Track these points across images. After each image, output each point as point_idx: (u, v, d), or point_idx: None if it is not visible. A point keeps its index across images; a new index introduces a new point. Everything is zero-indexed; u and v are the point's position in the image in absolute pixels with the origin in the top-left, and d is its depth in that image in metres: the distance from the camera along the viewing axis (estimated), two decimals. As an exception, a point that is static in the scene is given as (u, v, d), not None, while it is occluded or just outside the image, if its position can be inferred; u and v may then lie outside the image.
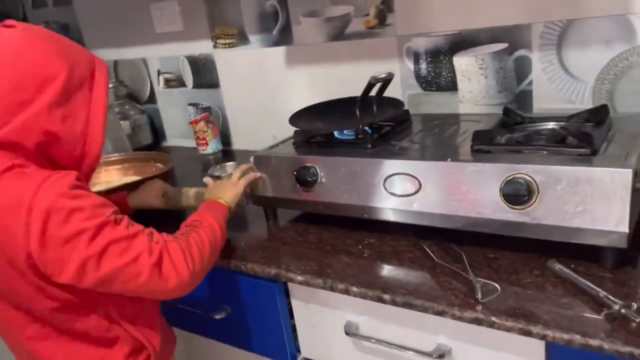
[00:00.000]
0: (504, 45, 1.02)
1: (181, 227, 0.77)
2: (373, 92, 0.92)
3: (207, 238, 0.74)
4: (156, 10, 1.48)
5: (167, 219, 0.90)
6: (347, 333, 0.80)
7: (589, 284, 0.64)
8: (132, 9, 1.52)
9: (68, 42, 0.69)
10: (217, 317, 0.92)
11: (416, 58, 1.13)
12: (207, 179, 0.97)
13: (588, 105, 0.97)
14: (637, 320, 0.58)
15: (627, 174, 0.64)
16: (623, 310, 0.59)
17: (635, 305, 0.59)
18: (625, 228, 0.64)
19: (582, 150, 0.72)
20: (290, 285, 0.86)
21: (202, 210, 0.81)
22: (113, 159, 1.28)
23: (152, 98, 1.64)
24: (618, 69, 0.93)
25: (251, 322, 0.92)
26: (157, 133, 1.67)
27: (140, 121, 1.63)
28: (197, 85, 1.52)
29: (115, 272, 0.63)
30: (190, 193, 0.99)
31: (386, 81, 0.92)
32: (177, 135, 1.64)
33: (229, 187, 0.88)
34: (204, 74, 1.49)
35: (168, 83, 1.59)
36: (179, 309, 0.94)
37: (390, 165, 0.81)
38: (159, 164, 1.25)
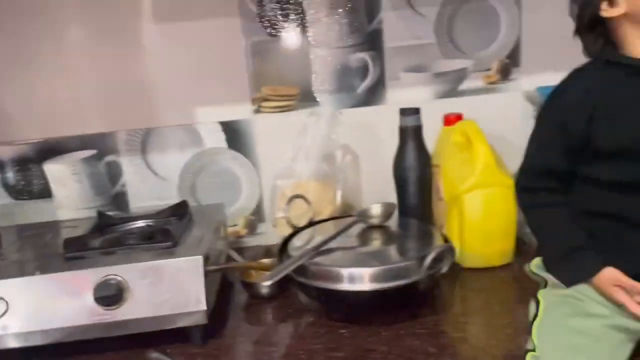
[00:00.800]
0: (94, 151, 1.08)
1: None
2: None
3: None
4: None
5: None
6: None
7: (182, 363, 0.72)
8: None
9: None
10: None
11: (1, 167, 1.06)
12: None
13: (176, 200, 1.10)
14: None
15: (198, 260, 0.76)
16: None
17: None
18: (203, 307, 0.75)
19: (164, 244, 0.81)
20: None
21: None
22: None
23: None
24: (195, 168, 1.11)
25: None
26: None
27: None
28: None
29: None
30: None
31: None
32: None
33: None
34: None
35: None
36: None
37: (-31, 291, 0.73)
38: None
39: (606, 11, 0.64)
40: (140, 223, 0.93)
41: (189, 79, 1.06)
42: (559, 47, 0.88)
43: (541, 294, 0.70)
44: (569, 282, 0.68)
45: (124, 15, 1.03)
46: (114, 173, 1.09)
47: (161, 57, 1.05)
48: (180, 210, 0.96)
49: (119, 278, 0.74)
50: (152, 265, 0.75)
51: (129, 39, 1.04)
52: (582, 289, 0.67)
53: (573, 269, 0.68)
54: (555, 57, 0.82)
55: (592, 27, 0.67)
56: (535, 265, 0.76)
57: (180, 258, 0.76)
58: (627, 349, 0.64)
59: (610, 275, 0.64)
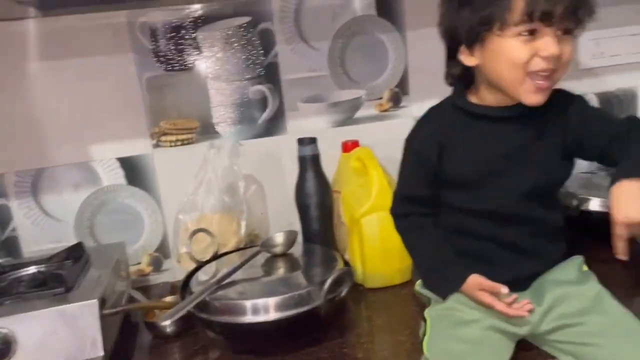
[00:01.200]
0: (-21, 195, 1.01)
1: None
2: None
3: None
4: None
5: None
6: None
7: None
8: None
9: None
10: None
11: None
12: None
13: (74, 241, 1.05)
14: None
15: (93, 304, 0.73)
16: None
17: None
18: (100, 352, 0.72)
19: (57, 290, 0.77)
20: None
21: None
22: None
23: None
24: (92, 207, 1.07)
25: None
26: None
27: None
28: None
29: None
30: None
31: None
32: None
33: None
34: None
35: None
36: None
37: None
38: None
39: (463, 56, 0.71)
40: (32, 269, 0.88)
41: (82, 116, 1.03)
42: (441, 76, 0.96)
43: (426, 312, 0.75)
44: (442, 294, 0.74)
45: (9, 54, 0.98)
46: (3, 217, 1.02)
47: (51, 95, 1.01)
48: (75, 253, 0.92)
49: (5, 330, 0.70)
50: (42, 313, 0.72)
51: (14, 78, 0.99)
52: (458, 299, 0.72)
53: (444, 282, 0.74)
54: (439, 85, 0.88)
55: (452, 55, 0.74)
56: (419, 284, 0.81)
57: (74, 304, 0.73)
58: (508, 348, 0.69)
59: (474, 281, 0.70)
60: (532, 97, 0.66)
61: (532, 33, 0.63)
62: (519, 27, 0.63)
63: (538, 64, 0.64)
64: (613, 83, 1.22)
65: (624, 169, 0.66)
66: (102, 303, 0.75)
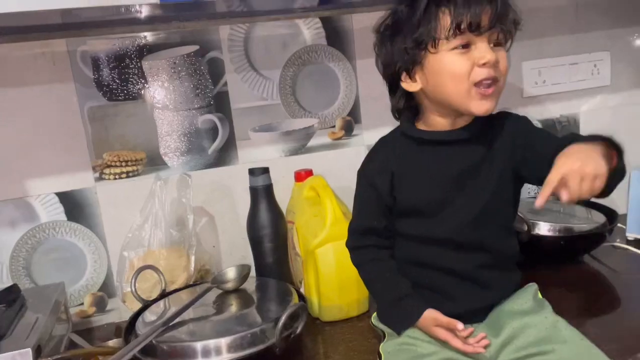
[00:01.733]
0: None
1: None
2: None
3: None
4: None
5: None
6: None
7: None
8: None
9: None
10: None
11: None
12: None
13: (9, 283, 0.98)
14: None
15: (27, 354, 0.68)
16: None
17: None
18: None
19: (-10, 339, 0.71)
20: None
21: None
22: None
23: None
24: (29, 246, 1.00)
25: None
26: None
27: None
28: None
29: None
30: None
31: None
32: None
33: None
34: None
35: None
36: None
37: None
38: None
39: (405, 83, 0.71)
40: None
41: (17, 148, 0.97)
42: (392, 104, 0.96)
43: (381, 347, 0.73)
44: (398, 329, 0.72)
45: None
46: None
47: (-17, 126, 0.95)
48: (9, 297, 0.85)
49: None
50: (-33, 367, 0.65)
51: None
52: (412, 333, 0.71)
53: (400, 317, 0.72)
54: (390, 113, 0.89)
55: (394, 88, 0.74)
56: (374, 317, 0.79)
57: (6, 353, 0.67)
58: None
59: (429, 316, 0.69)
60: (480, 105, 0.66)
61: (466, 47, 0.65)
62: (451, 42, 0.65)
63: (479, 74, 0.65)
64: (556, 110, 1.27)
65: (571, 140, 0.62)
66: (38, 351, 0.69)
